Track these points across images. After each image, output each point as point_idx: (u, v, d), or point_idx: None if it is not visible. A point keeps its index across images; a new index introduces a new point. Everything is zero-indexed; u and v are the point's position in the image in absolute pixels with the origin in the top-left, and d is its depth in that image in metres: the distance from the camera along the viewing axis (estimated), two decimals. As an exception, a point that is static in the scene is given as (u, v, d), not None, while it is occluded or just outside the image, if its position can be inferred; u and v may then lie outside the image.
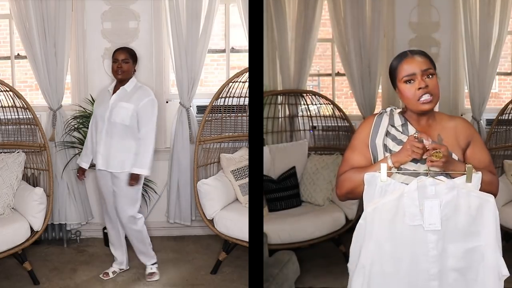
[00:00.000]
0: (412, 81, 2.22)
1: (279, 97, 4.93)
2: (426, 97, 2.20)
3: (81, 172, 4.02)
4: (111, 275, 4.01)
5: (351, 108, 6.04)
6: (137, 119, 3.79)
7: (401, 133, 2.28)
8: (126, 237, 4.05)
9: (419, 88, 2.20)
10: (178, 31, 4.44)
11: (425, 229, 2.09)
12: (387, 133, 2.29)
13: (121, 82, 3.87)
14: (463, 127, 2.31)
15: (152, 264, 4.03)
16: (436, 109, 2.28)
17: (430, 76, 2.22)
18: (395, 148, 2.24)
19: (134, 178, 3.79)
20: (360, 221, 2.15)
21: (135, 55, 3.93)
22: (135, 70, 3.93)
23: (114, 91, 3.86)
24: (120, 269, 4.08)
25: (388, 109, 2.36)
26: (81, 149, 4.15)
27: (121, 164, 3.80)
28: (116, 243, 4.05)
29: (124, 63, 3.84)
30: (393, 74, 2.30)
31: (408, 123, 2.29)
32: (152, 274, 3.99)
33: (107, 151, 3.80)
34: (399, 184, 2.16)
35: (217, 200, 4.14)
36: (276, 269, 3.35)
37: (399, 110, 2.33)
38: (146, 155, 3.79)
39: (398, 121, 2.30)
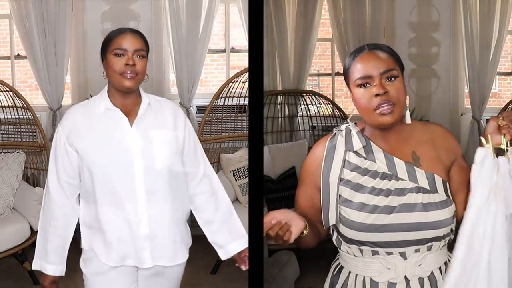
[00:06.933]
0: (367, 85, 1.67)
1: (278, 97, 4.93)
2: (385, 106, 1.64)
3: (50, 282, 2.22)
4: None
5: (351, 107, 6.04)
6: (182, 152, 2.07)
7: (365, 158, 1.73)
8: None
9: (376, 95, 1.65)
10: (178, 31, 4.45)
11: None
12: (345, 164, 1.74)
13: (125, 93, 1.98)
14: (442, 139, 1.77)
15: None
16: (408, 119, 1.72)
17: (392, 79, 1.66)
18: (360, 180, 1.71)
19: (243, 258, 2.30)
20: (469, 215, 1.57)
21: (148, 46, 2.03)
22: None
23: (125, 112, 1.98)
24: None
25: (343, 127, 1.79)
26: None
27: (181, 246, 2.30)
28: None
29: (139, 57, 1.95)
30: (346, 75, 1.74)
31: (371, 143, 1.74)
32: None
33: (158, 231, 2.14)
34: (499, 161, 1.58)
35: (217, 200, 4.11)
36: (276, 269, 3.35)
37: (357, 129, 1.77)
38: (234, 212, 2.36)
39: (358, 143, 1.73)
